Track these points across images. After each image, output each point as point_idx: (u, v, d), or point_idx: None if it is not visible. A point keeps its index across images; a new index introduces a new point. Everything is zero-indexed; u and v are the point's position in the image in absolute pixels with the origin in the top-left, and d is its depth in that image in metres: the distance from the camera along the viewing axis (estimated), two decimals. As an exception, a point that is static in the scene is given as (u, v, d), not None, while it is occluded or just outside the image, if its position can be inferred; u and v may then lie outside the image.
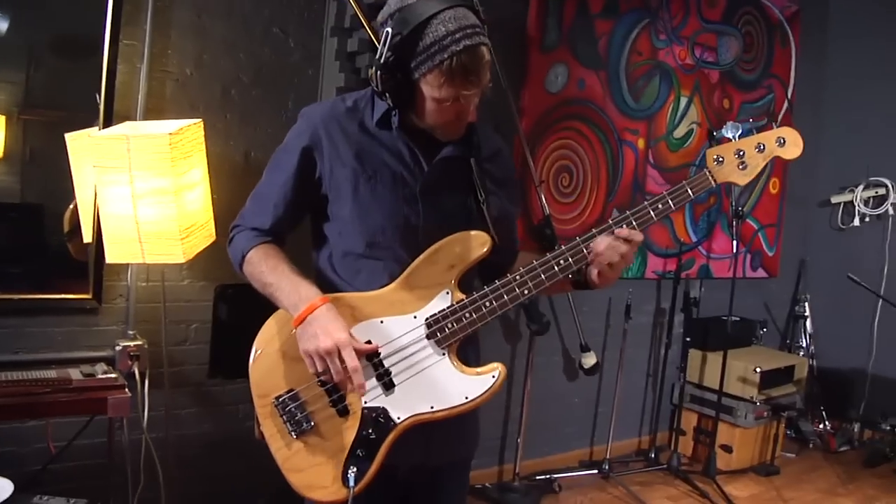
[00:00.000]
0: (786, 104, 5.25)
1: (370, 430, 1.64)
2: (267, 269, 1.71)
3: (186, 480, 3.08)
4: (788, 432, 5.08)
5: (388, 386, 1.66)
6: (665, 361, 4.88)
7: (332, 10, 3.23)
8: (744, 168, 1.76)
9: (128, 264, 2.89)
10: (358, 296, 1.70)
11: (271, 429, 1.68)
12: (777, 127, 1.82)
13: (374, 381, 1.66)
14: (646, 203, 1.73)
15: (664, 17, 4.51)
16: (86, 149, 2.65)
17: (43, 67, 2.83)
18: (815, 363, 5.31)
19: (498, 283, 1.69)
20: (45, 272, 2.86)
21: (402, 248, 1.71)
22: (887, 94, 5.28)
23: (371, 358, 1.66)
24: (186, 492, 3.07)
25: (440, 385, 1.66)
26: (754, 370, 4.58)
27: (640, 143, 4.52)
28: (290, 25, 3.20)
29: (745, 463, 4.66)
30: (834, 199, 5.56)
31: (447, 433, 1.75)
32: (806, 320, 5.55)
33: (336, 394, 1.66)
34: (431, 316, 1.68)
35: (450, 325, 1.67)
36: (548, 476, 4.17)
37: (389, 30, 1.56)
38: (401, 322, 1.68)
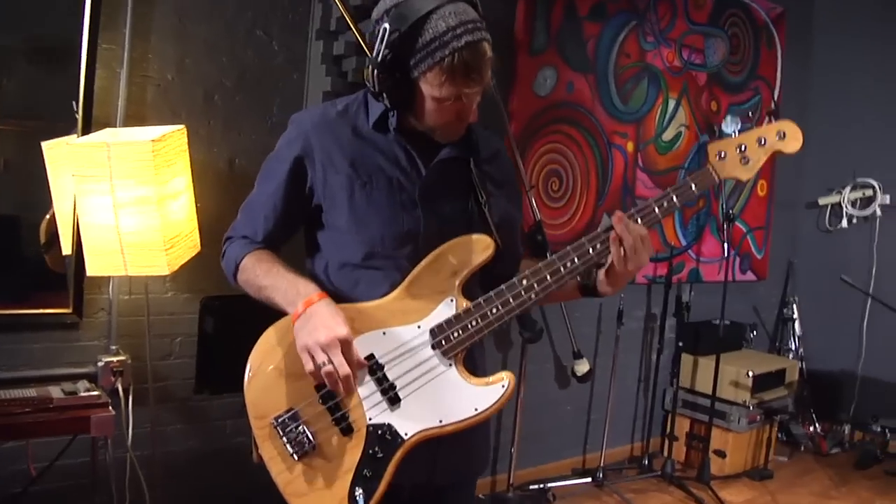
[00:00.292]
0: (772, 106, 5.23)
1: (376, 449, 1.55)
2: (261, 272, 1.64)
3: (174, 499, 2.99)
4: (780, 436, 5.06)
5: (394, 400, 1.57)
6: (658, 367, 4.83)
7: (318, 13, 3.15)
8: (746, 163, 1.71)
9: (109, 277, 2.80)
10: (358, 306, 1.61)
11: (271, 451, 1.57)
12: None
13: (378, 396, 1.57)
14: (651, 200, 1.66)
15: (651, 18, 4.48)
16: (64, 157, 2.57)
17: (17, 75, 2.71)
18: (804, 366, 5.28)
19: (503, 287, 1.62)
20: (22, 286, 2.76)
21: (402, 257, 1.64)
22: (873, 94, 5.28)
23: (374, 371, 1.58)
24: (173, 511, 2.99)
25: (448, 397, 1.58)
26: (747, 374, 4.55)
27: (630, 147, 4.48)
28: (274, 28, 3.11)
29: (738, 468, 4.63)
30: (821, 201, 5.54)
31: (456, 449, 1.67)
32: (794, 323, 5.53)
33: (339, 412, 1.56)
34: (436, 325, 1.60)
35: (455, 334, 1.59)
36: (541, 485, 4.11)
37: (386, 26, 1.49)
38: (404, 332, 1.60)
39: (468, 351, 1.62)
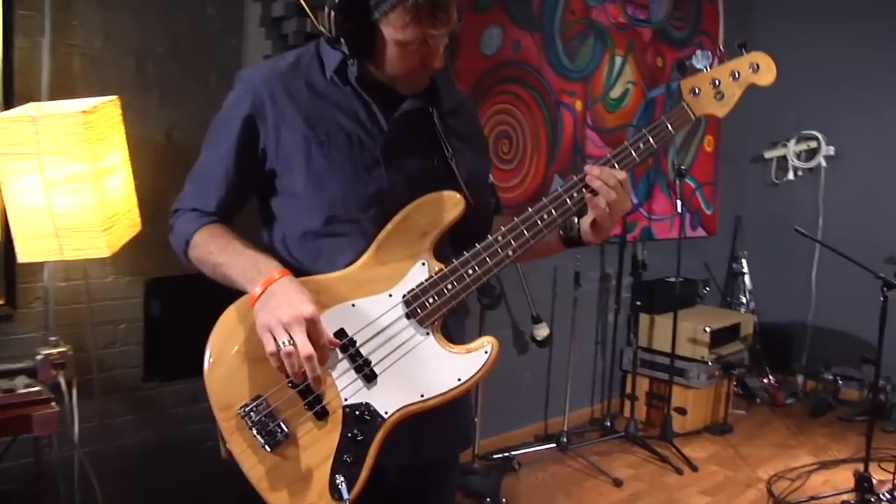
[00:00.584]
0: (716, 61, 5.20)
1: (355, 431, 1.42)
2: (216, 248, 1.49)
3: (128, 495, 2.87)
4: (736, 389, 5.10)
5: (370, 377, 1.45)
6: (616, 327, 4.80)
7: (253, -28, 2.98)
8: (721, 98, 1.64)
9: (43, 262, 2.63)
10: (322, 278, 1.48)
11: (240, 445, 1.42)
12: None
13: (352, 374, 1.45)
14: (626, 143, 1.57)
15: (595, -26, 4.39)
16: (-16, 135, 2.37)
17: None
18: (756, 319, 5.33)
19: (479, 246, 1.51)
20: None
21: (366, 220, 1.51)
22: (814, 45, 5.30)
23: (346, 348, 1.45)
24: (128, 507, 2.86)
25: (428, 369, 1.46)
26: (704, 330, 4.57)
27: (578, 105, 4.41)
28: (206, -11, 2.94)
29: (699, 424, 4.66)
30: (767, 155, 5.58)
31: (441, 423, 1.56)
32: (745, 277, 5.58)
33: (311, 394, 1.43)
34: (409, 292, 1.48)
35: (431, 300, 1.48)
36: (506, 454, 4.07)
37: None
38: (375, 303, 1.48)
39: (444, 318, 1.51)
